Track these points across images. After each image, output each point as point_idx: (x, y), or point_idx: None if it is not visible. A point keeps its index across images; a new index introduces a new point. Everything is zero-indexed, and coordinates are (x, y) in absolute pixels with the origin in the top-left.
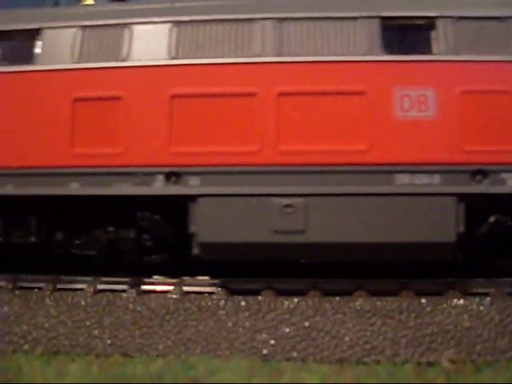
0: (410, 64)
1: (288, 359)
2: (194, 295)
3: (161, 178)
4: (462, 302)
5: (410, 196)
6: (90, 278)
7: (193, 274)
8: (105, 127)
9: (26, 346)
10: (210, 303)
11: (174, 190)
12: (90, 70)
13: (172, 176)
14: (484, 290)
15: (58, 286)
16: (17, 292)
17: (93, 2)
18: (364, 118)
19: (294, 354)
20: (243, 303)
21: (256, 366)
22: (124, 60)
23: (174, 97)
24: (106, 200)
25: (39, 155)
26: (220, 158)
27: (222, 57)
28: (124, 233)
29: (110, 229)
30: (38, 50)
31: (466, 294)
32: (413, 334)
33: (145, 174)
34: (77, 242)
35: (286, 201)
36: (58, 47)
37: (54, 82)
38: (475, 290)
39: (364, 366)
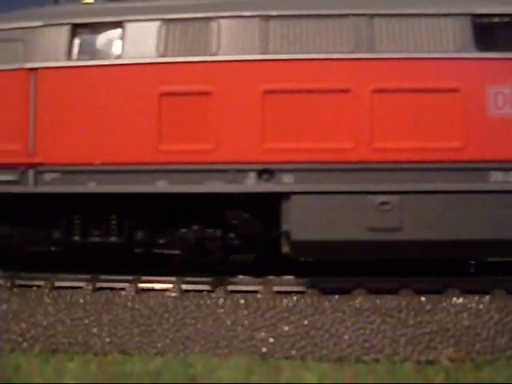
0: (504, 61)
1: (287, 357)
2: (192, 293)
3: (253, 175)
4: (461, 300)
5: (504, 193)
6: (88, 276)
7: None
8: (194, 123)
9: (25, 344)
10: (208, 301)
11: (268, 187)
12: (177, 64)
13: (264, 173)
14: (483, 289)
15: (57, 284)
16: (15, 290)
17: (93, 1)
18: (458, 115)
19: (293, 352)
20: (242, 301)
21: (255, 364)
22: (213, 54)
23: (266, 92)
24: (190, 198)
25: (123, 151)
26: (314, 154)
27: (314, 52)
28: (211, 231)
29: (196, 227)
30: (120, 44)
31: (465, 292)
32: (412, 333)
33: (237, 171)
34: (160, 241)
35: (381, 198)
36: (142, 41)
37: (138, 76)
38: (475, 289)
39: (363, 364)
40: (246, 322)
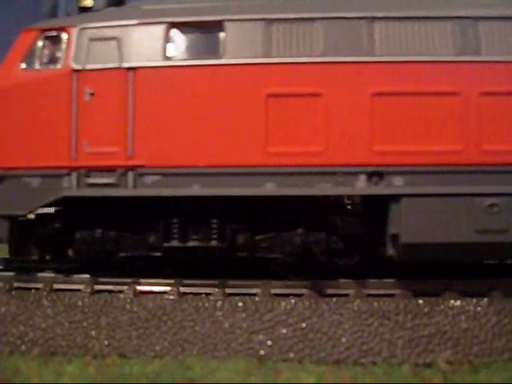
0: None
1: (285, 360)
2: (191, 296)
3: (363, 177)
4: (459, 303)
5: None
6: (87, 279)
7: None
8: (302, 125)
9: (23, 347)
10: (206, 304)
11: (378, 189)
12: (285, 65)
13: (374, 176)
14: (481, 291)
15: (55, 287)
16: (14, 293)
17: (92, 3)
18: None
19: (291, 354)
20: (240, 304)
21: (253, 366)
22: (320, 55)
23: (375, 95)
24: (294, 201)
25: (228, 153)
26: (423, 157)
27: (422, 55)
28: (316, 234)
29: (300, 230)
30: (220, 44)
31: (463, 295)
32: (410, 335)
33: (346, 173)
34: (263, 245)
35: (489, 200)
36: (245, 41)
37: (243, 76)
38: (472, 291)
39: (361, 367)
40: (244, 325)
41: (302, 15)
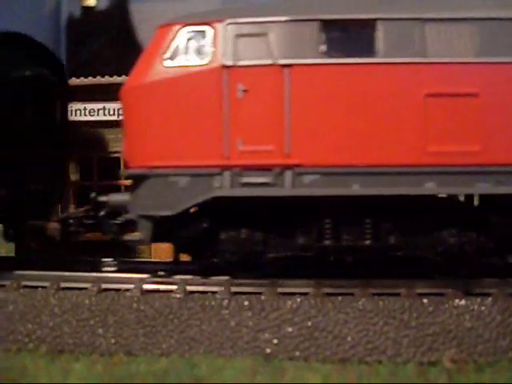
0: None
1: (291, 358)
2: (197, 295)
3: None
4: (463, 302)
5: None
6: (94, 277)
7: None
8: (460, 124)
9: (31, 345)
10: (213, 303)
11: None
12: (443, 65)
13: None
14: (486, 291)
15: (62, 285)
16: (21, 291)
17: (94, 3)
18: None
19: (297, 353)
20: (246, 303)
21: (259, 365)
22: (476, 56)
23: None
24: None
25: (387, 153)
26: None
27: None
28: (469, 235)
29: (454, 230)
30: (375, 41)
31: (467, 294)
32: (415, 334)
33: (507, 172)
34: (414, 244)
35: None
36: (399, 39)
37: (401, 75)
38: (477, 291)
39: (366, 365)
40: (250, 323)
41: (458, 15)
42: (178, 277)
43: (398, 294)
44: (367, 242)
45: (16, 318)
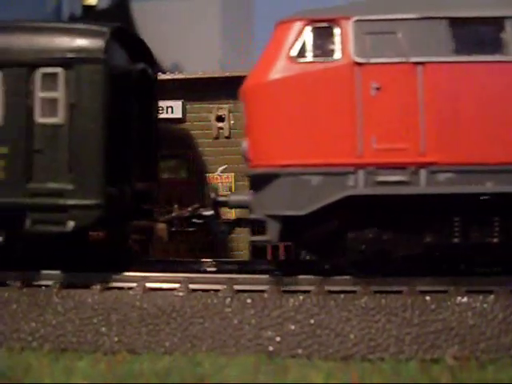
0: None
1: (293, 356)
2: (200, 293)
3: None
4: (465, 299)
5: None
6: (97, 276)
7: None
8: None
9: (35, 344)
10: (215, 301)
11: None
12: None
13: None
14: (488, 288)
15: (66, 284)
16: (25, 290)
17: (95, 2)
18: None
19: (300, 351)
20: (249, 301)
21: (262, 362)
22: None
23: None
24: None
25: None
26: None
27: None
28: None
29: None
30: (504, 39)
31: (470, 291)
32: (417, 332)
33: None
34: None
35: None
36: None
37: None
38: (479, 288)
39: (369, 363)
40: (253, 321)
41: None
42: (180, 275)
43: (400, 292)
44: (496, 240)
45: (20, 316)
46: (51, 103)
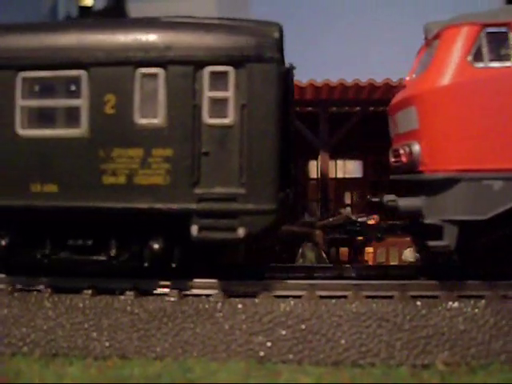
0: None
1: (284, 361)
2: (191, 298)
3: None
4: (456, 304)
5: None
6: (88, 281)
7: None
8: None
9: (25, 349)
10: (207, 306)
11: None
12: None
13: None
14: (479, 293)
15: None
16: (16, 294)
17: (91, 3)
18: None
19: (291, 356)
20: (240, 306)
21: (253, 368)
22: None
23: None
24: None
25: None
26: None
27: None
28: None
29: None
30: None
31: (461, 296)
32: (408, 337)
33: None
34: None
35: None
36: None
37: None
38: (470, 293)
39: (359, 368)
40: (244, 327)
41: None
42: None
43: (391, 297)
44: None
45: (10, 321)
46: (220, 103)
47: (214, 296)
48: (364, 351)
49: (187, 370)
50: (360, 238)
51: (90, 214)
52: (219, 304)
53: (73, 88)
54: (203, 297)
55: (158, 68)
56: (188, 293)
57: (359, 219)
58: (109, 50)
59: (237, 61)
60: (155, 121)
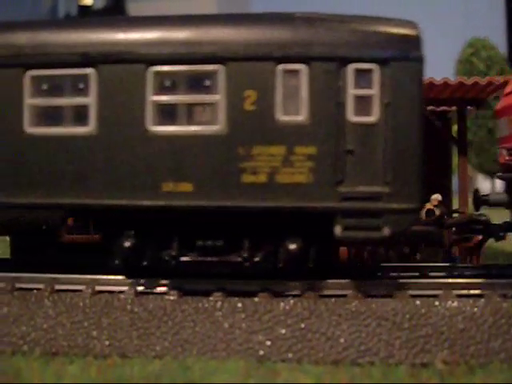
0: None
1: (284, 360)
2: (191, 296)
3: None
4: (455, 303)
5: None
6: (88, 279)
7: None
8: None
9: (25, 347)
10: (206, 305)
11: None
12: None
13: None
14: (478, 292)
15: (57, 287)
16: (16, 293)
17: (91, 2)
18: None
19: (290, 355)
20: (239, 305)
21: (252, 367)
22: None
23: None
24: None
25: None
26: None
27: None
28: None
29: None
30: None
31: (460, 295)
32: (407, 336)
33: None
34: None
35: None
36: None
37: None
38: (469, 292)
39: (359, 367)
40: (244, 325)
41: None
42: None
43: (390, 296)
44: None
45: (10, 320)
46: (364, 101)
47: (213, 295)
48: (363, 350)
49: (187, 369)
50: (480, 236)
51: (227, 213)
52: (219, 303)
53: (208, 83)
54: (203, 296)
55: (301, 64)
56: (188, 291)
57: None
58: (248, 45)
59: (381, 58)
60: (298, 118)
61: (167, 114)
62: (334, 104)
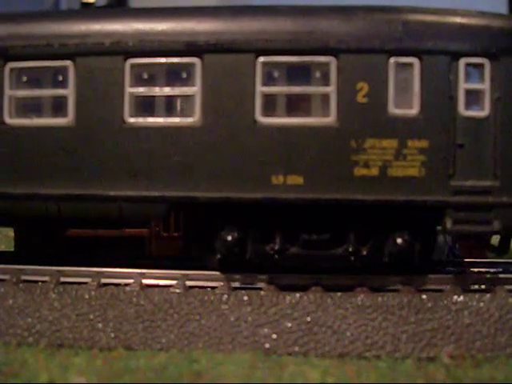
0: None
1: (290, 353)
2: (197, 289)
3: None
4: (462, 298)
5: None
6: (94, 272)
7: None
8: None
9: (31, 339)
10: (212, 298)
11: None
12: None
13: None
14: (484, 287)
15: (62, 280)
16: (21, 285)
17: (94, 1)
18: None
19: (296, 348)
20: (246, 298)
21: (258, 359)
22: None
23: None
24: None
25: None
26: None
27: None
28: None
29: None
30: None
31: (466, 290)
32: (413, 330)
33: None
34: None
35: None
36: None
37: None
38: (475, 287)
39: (365, 360)
40: (250, 318)
41: None
42: (177, 272)
43: (396, 290)
44: None
45: (16, 312)
46: (475, 95)
47: (219, 288)
48: (369, 344)
49: (193, 361)
50: None
51: (337, 206)
52: (225, 296)
53: (318, 75)
54: (209, 289)
55: (413, 57)
56: (194, 284)
57: None
58: (360, 37)
59: (492, 53)
60: (411, 111)
61: (276, 105)
62: (447, 98)
